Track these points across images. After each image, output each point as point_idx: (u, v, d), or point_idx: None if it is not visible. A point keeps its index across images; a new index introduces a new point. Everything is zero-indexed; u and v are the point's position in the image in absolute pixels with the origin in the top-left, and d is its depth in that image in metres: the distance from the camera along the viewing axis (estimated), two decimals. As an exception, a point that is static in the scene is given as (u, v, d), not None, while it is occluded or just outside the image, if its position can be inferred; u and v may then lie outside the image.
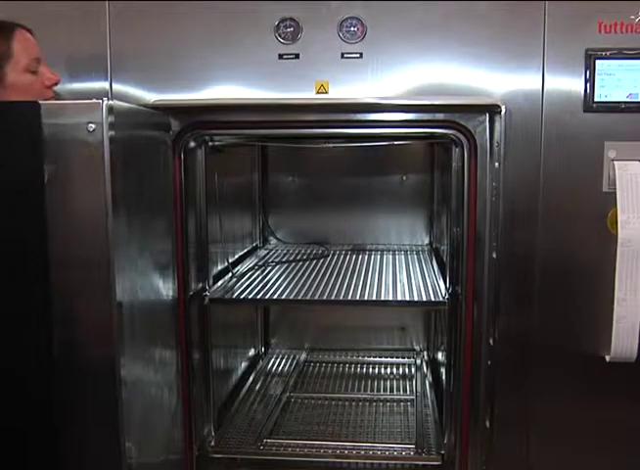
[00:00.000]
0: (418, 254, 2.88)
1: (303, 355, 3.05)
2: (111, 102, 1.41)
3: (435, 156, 2.92)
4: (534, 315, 1.85)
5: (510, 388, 1.88)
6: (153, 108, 1.82)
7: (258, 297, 2.15)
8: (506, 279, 1.84)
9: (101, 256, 1.43)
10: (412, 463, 2.08)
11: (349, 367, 2.92)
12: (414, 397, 2.55)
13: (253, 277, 2.44)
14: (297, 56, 1.81)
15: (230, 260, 2.49)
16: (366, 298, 2.09)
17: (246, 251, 2.85)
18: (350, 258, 2.76)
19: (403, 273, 2.45)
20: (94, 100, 1.40)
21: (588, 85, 1.75)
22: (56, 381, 1.48)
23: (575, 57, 1.75)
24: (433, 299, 2.07)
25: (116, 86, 1.84)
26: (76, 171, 1.43)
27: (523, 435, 1.91)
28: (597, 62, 1.73)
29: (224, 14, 1.81)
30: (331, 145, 2.55)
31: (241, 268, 2.59)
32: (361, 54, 1.80)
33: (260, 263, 2.69)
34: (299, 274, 2.44)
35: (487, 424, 1.90)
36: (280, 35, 1.80)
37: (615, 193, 1.75)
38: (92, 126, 1.39)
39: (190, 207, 1.99)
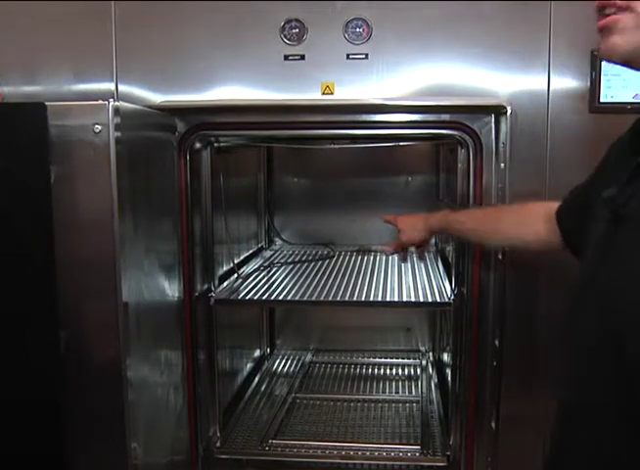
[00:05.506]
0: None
1: (309, 356, 3.05)
2: (117, 103, 1.42)
3: (441, 157, 2.91)
4: (540, 316, 1.84)
5: (516, 389, 1.88)
6: (158, 109, 1.82)
7: (264, 298, 2.15)
8: (512, 280, 1.83)
9: (107, 256, 1.44)
10: (417, 464, 2.08)
11: (355, 368, 2.92)
12: (419, 398, 2.54)
13: (259, 278, 2.44)
14: (302, 57, 1.81)
15: (236, 261, 2.49)
16: (372, 298, 2.09)
17: (251, 252, 2.85)
18: (356, 259, 2.76)
19: (409, 274, 2.44)
20: (100, 101, 1.41)
21: (594, 86, 1.74)
22: (62, 381, 1.48)
23: (581, 57, 1.74)
24: (438, 299, 2.07)
25: (122, 87, 1.85)
26: (82, 172, 1.43)
27: (529, 436, 1.90)
28: (603, 62, 1.73)
29: (229, 15, 1.81)
30: (336, 146, 2.55)
31: (246, 269, 2.59)
32: (367, 55, 1.79)
33: (266, 264, 2.69)
34: (305, 275, 2.44)
35: (493, 425, 1.90)
36: (285, 36, 1.80)
37: (621, 194, 1.74)
38: (98, 128, 1.40)
39: (195, 207, 1.99)
